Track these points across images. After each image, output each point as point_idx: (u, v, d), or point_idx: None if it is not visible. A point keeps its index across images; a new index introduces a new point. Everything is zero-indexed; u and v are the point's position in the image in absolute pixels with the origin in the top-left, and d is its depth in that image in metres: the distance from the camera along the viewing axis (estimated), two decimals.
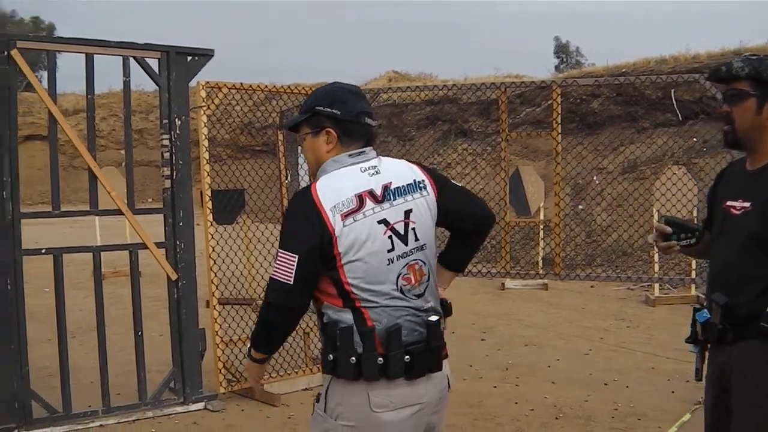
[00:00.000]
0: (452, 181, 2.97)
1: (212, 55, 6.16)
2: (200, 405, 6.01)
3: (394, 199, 2.67)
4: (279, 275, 2.58)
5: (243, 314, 6.74)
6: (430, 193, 2.77)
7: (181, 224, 5.91)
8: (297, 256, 2.55)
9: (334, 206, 2.57)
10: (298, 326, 6.35)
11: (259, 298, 9.45)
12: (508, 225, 11.27)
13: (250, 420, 5.83)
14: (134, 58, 5.84)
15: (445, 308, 2.90)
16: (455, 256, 3.06)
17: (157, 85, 5.95)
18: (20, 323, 5.40)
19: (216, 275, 6.17)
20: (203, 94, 6.06)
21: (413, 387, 2.64)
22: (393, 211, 2.65)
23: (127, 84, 5.88)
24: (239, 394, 6.29)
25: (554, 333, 8.69)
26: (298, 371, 6.60)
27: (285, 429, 5.65)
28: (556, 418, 5.79)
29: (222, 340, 6.14)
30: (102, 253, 5.88)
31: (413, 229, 2.69)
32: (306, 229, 2.57)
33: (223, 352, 6.13)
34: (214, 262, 6.13)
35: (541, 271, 11.33)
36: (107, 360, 5.77)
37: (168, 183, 5.90)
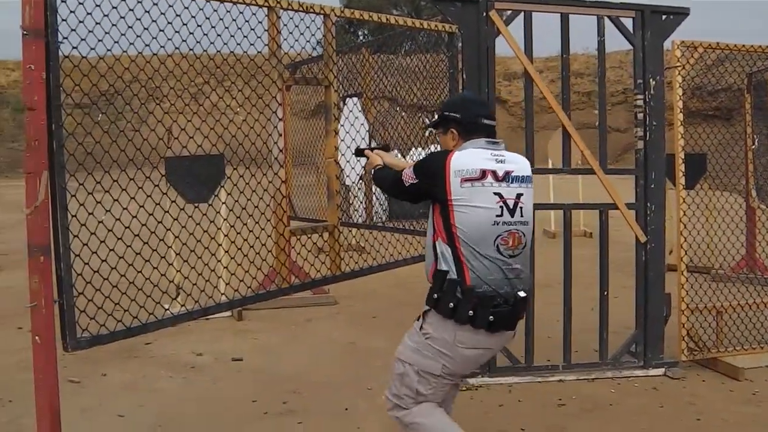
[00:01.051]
0: None
1: (688, 14, 5.93)
2: (660, 371, 5.91)
3: (512, 183, 3.46)
4: (405, 178, 3.63)
5: (710, 283, 6.49)
6: (532, 189, 3.60)
7: (652, 186, 5.82)
8: (418, 180, 3.57)
9: (458, 171, 3.38)
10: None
11: (714, 267, 9.07)
12: None
13: (712, 391, 5.60)
14: (608, 17, 5.81)
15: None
16: None
17: (631, 44, 5.87)
18: None
19: (686, 240, 5.98)
20: (678, 53, 5.87)
21: (489, 337, 3.46)
22: (508, 190, 3.44)
23: (601, 44, 5.88)
24: (700, 364, 6.07)
25: None
26: (764, 346, 6.20)
27: (749, 405, 5.35)
28: None
29: (688, 307, 5.95)
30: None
31: (521, 208, 3.47)
32: (430, 174, 3.49)
33: (688, 319, 5.95)
34: (684, 227, 5.94)
35: None
36: (571, 318, 5.88)
37: (641, 144, 5.83)
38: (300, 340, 7.13)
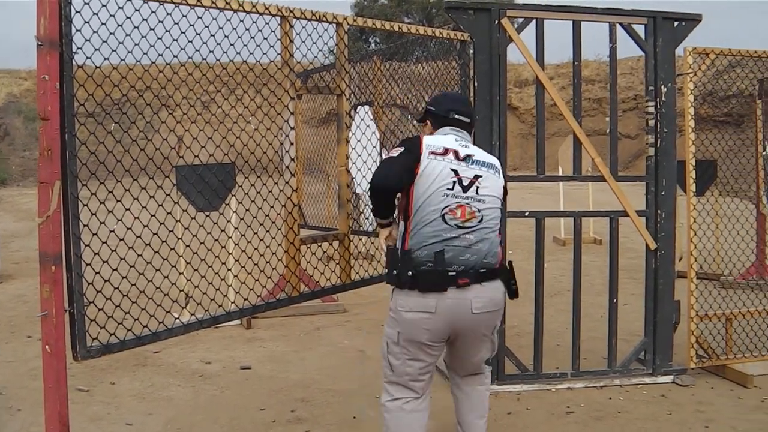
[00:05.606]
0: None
1: (700, 20, 5.94)
2: (668, 378, 5.90)
3: (470, 164, 3.85)
4: (392, 153, 3.88)
5: (719, 290, 6.48)
6: (502, 180, 4.03)
7: (663, 193, 5.83)
8: (404, 148, 3.85)
9: (428, 145, 3.83)
10: None
11: (723, 274, 9.07)
12: None
13: (721, 398, 5.59)
14: (620, 24, 5.82)
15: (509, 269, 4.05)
16: None
17: (643, 51, 5.88)
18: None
19: (696, 247, 5.97)
20: (690, 60, 5.88)
21: (423, 298, 3.73)
22: (465, 169, 3.82)
23: (613, 51, 5.86)
24: (709, 371, 6.06)
25: None
26: None
27: (758, 413, 5.32)
28: None
29: (697, 314, 5.95)
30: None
31: (477, 187, 3.82)
32: (409, 146, 3.86)
33: (697, 327, 5.94)
34: (695, 234, 5.93)
35: None
36: (580, 325, 5.88)
37: (652, 151, 5.83)
38: (309, 348, 7.13)
